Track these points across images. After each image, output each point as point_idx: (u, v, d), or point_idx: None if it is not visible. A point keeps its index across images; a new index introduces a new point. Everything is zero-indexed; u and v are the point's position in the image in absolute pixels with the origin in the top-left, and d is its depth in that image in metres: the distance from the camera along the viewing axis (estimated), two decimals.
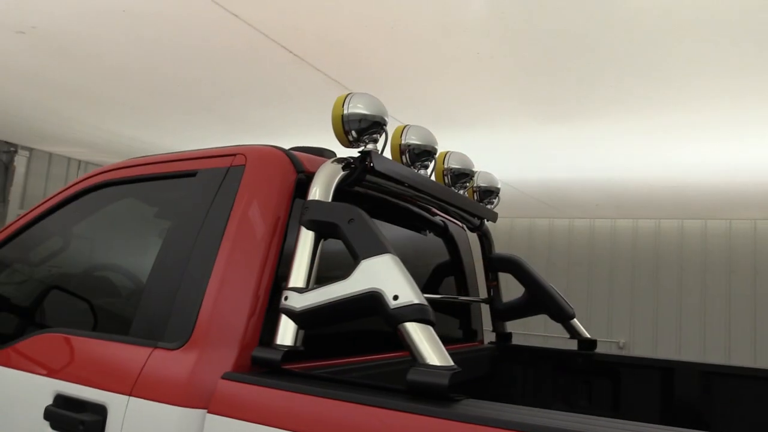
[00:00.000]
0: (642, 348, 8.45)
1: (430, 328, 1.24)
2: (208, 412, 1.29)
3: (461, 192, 2.35)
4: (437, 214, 2.56)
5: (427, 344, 1.21)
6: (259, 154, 1.64)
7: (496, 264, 2.76)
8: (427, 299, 2.12)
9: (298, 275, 1.43)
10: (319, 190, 1.54)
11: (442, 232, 2.65)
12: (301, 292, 1.38)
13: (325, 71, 3.74)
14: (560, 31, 3.06)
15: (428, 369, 1.17)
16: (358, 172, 1.66)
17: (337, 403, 1.16)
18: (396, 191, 1.95)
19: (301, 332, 1.39)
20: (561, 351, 2.68)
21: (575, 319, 2.67)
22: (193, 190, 1.65)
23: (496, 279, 2.81)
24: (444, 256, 2.68)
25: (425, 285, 2.51)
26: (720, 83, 3.52)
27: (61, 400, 1.50)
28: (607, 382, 2.58)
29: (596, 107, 4.08)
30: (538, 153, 5.40)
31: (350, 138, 1.70)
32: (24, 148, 7.39)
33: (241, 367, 1.37)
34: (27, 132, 6.53)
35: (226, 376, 1.32)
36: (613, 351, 8.39)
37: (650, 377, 2.50)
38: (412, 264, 2.48)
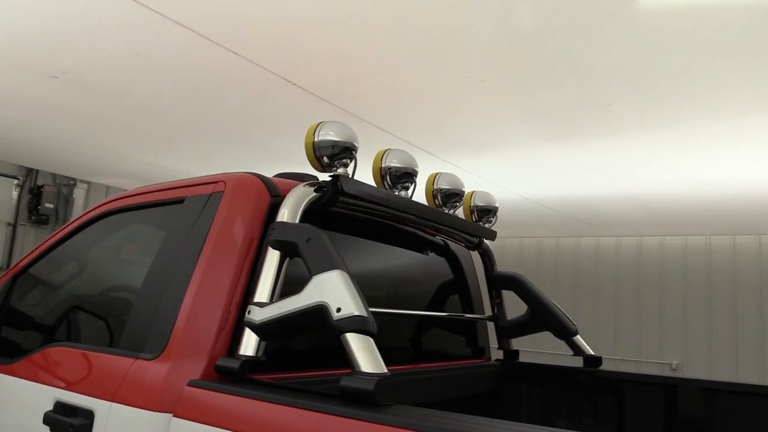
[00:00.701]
0: (695, 370, 8.11)
1: (368, 338, 1.33)
2: (174, 416, 1.41)
3: (451, 212, 2.43)
4: (438, 235, 2.64)
5: (362, 353, 1.30)
6: (237, 181, 1.79)
7: (498, 282, 2.80)
8: (429, 317, 2.23)
9: (262, 291, 1.55)
10: (287, 212, 1.67)
11: (444, 252, 2.72)
12: (262, 306, 1.50)
13: (333, 102, 3.98)
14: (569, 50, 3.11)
15: (359, 376, 1.26)
16: (329, 194, 1.77)
17: (277, 407, 1.26)
18: (383, 213, 2.05)
19: (263, 344, 1.50)
20: (565, 368, 2.68)
21: (578, 336, 2.67)
22: (180, 216, 1.81)
23: (500, 296, 2.85)
24: (448, 275, 2.75)
25: (430, 303, 2.58)
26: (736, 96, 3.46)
27: (59, 407, 1.67)
28: (611, 399, 2.56)
29: (622, 124, 4.09)
30: (572, 171, 5.39)
31: (322, 163, 1.82)
32: (82, 181, 7.94)
33: (209, 376, 1.49)
34: (84, 167, 7.03)
35: (191, 383, 1.44)
36: (666, 373, 8.08)
37: (654, 394, 2.47)
38: (416, 284, 2.56)
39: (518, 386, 2.74)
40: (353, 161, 1.85)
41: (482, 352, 2.83)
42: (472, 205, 2.67)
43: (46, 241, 2.23)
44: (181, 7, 2.85)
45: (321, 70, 3.48)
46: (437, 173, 2.44)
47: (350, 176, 1.83)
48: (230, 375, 1.45)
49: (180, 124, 4.76)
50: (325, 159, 1.82)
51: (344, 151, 1.82)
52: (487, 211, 2.68)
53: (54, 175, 7.83)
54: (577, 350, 2.68)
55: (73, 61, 3.53)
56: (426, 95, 3.85)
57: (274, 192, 1.78)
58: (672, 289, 8.57)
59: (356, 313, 1.34)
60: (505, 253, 10.15)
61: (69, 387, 1.68)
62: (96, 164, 6.77)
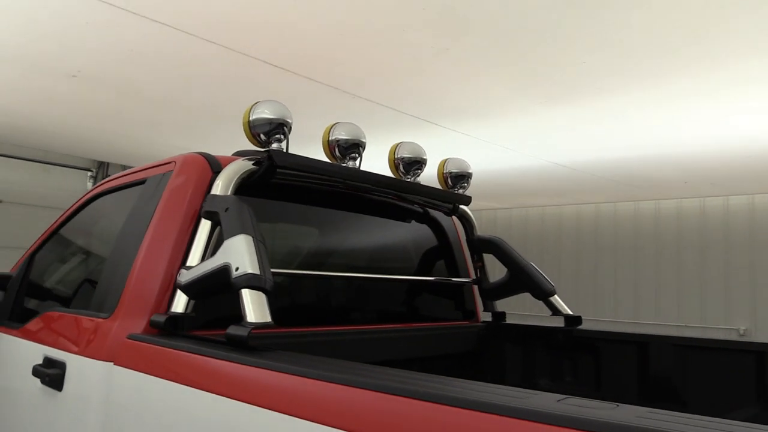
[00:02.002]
0: (766, 334, 7.69)
1: (260, 293, 1.50)
2: (114, 364, 1.66)
3: (413, 179, 2.53)
4: (417, 203, 2.74)
5: (251, 306, 1.47)
6: (183, 160, 1.99)
7: (478, 245, 2.88)
8: (415, 281, 2.43)
9: (193, 256, 1.76)
10: (220, 185, 1.86)
11: (425, 219, 2.83)
12: (188, 269, 1.70)
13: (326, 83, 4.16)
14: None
15: (242, 325, 1.44)
16: (264, 168, 1.95)
17: (178, 353, 1.47)
18: (334, 184, 2.19)
19: (191, 302, 1.71)
20: (546, 328, 2.73)
21: (556, 296, 2.72)
22: (141, 194, 2.05)
23: (482, 260, 2.93)
24: (426, 240, 2.86)
25: (417, 269, 2.72)
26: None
27: (46, 361, 1.96)
28: (588, 357, 2.60)
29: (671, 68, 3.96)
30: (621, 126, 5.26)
31: (259, 140, 2.00)
32: (116, 165, 8.57)
33: (150, 332, 1.72)
34: (144, 157, 7.61)
35: (129, 337, 1.68)
36: (732, 338, 7.72)
37: (629, 351, 2.49)
38: (390, 250, 2.70)
39: (501, 346, 2.82)
40: (287, 136, 2.00)
41: (471, 314, 2.93)
42: (445, 171, 2.76)
43: (55, 222, 2.55)
44: (175, 12, 3.10)
45: (320, 59, 3.64)
46: (399, 143, 2.55)
47: (285, 150, 2.00)
48: (159, 329, 1.67)
49: (195, 111, 5.11)
50: (262, 136, 1.99)
51: (278, 128, 1.98)
52: (461, 177, 2.76)
53: (123, 167, 8.49)
54: (555, 310, 2.72)
55: (88, 62, 3.91)
56: (423, 69, 3.92)
57: (216, 168, 1.97)
58: (738, 252, 8.14)
59: (250, 271, 1.51)
60: (564, 218, 9.98)
61: (53, 344, 1.98)
62: (129, 151, 7.32)
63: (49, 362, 1.93)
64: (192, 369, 1.42)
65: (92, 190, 2.45)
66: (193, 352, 1.44)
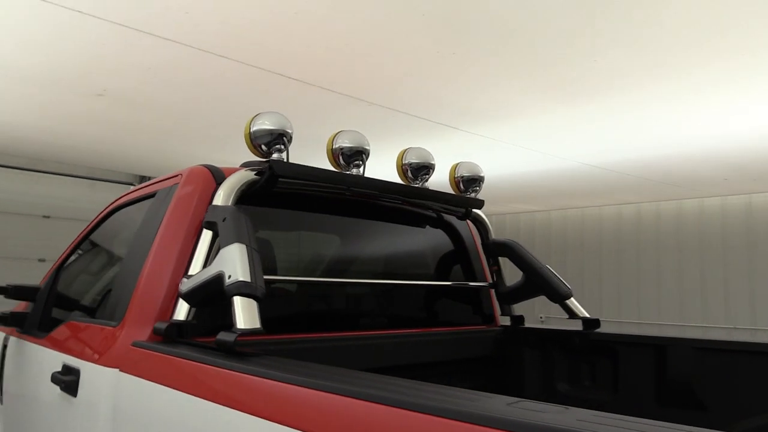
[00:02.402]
0: None
1: (251, 300, 1.54)
2: (120, 370, 1.72)
3: (421, 185, 2.53)
4: (432, 209, 2.73)
5: (242, 312, 1.51)
6: (189, 173, 2.06)
7: (493, 249, 2.86)
8: (430, 286, 2.47)
9: (195, 265, 1.82)
10: (222, 195, 1.91)
11: (439, 223, 2.83)
12: (189, 278, 1.76)
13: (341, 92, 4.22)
14: None
15: (231, 331, 1.47)
16: (265, 178, 1.99)
17: (172, 358, 1.52)
18: (341, 192, 2.22)
19: (192, 309, 1.76)
20: (563, 331, 2.69)
21: (573, 299, 2.67)
22: (151, 207, 2.13)
23: (497, 264, 2.90)
24: (447, 246, 2.86)
25: (432, 274, 2.72)
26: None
27: (64, 368, 2.05)
28: (607, 360, 2.54)
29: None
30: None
31: (261, 151, 2.04)
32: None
33: (154, 339, 1.78)
34: (154, 166, 7.86)
35: (133, 344, 1.74)
36: None
37: (647, 354, 2.42)
38: (415, 256, 2.71)
39: (519, 350, 2.79)
40: (288, 146, 2.04)
41: (489, 318, 2.91)
42: (456, 176, 2.75)
43: (79, 235, 2.67)
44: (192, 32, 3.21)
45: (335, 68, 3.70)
46: (406, 149, 2.55)
47: (286, 160, 2.04)
48: (161, 336, 1.72)
49: (218, 122, 5.26)
50: (263, 147, 2.04)
51: (278, 138, 2.03)
52: (473, 181, 2.74)
53: None
54: (572, 313, 2.68)
55: (111, 82, 4.09)
56: (441, 74, 3.92)
57: (219, 179, 2.02)
58: None
59: (241, 279, 1.55)
60: (622, 219, 9.76)
61: (70, 352, 2.07)
62: (163, 164, 7.55)
63: (66, 369, 2.02)
64: (183, 374, 1.47)
65: (111, 203, 2.56)
66: (184, 358, 1.49)
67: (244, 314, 1.51)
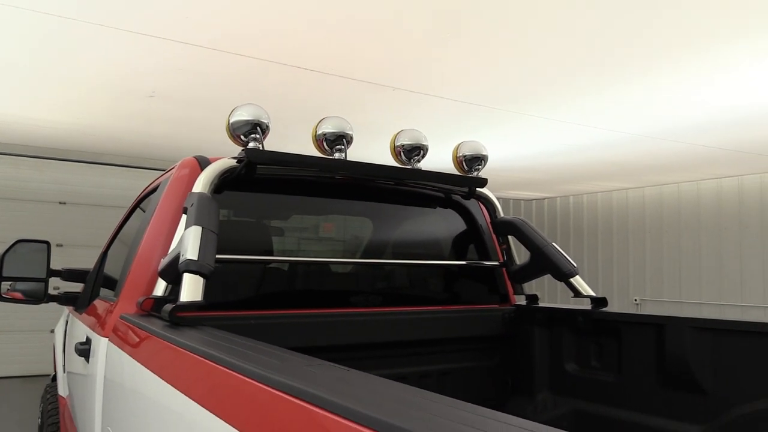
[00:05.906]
0: None
1: (197, 277, 1.69)
2: (109, 341, 1.96)
3: (413, 166, 2.57)
4: (440, 189, 2.77)
5: (187, 287, 1.68)
6: (181, 163, 2.26)
7: (500, 228, 2.84)
8: (434, 266, 2.60)
9: (172, 246, 2.01)
10: (200, 183, 2.08)
11: (450, 204, 2.86)
12: (164, 258, 1.95)
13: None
14: None
15: (173, 304, 1.64)
16: (242, 165, 2.14)
17: (136, 329, 1.71)
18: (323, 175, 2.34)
19: (169, 286, 1.95)
20: (571, 310, 2.63)
21: (578, 277, 2.61)
22: (155, 196, 2.36)
23: (507, 242, 2.87)
24: (460, 225, 2.88)
25: (446, 252, 2.78)
26: None
27: (86, 339, 2.35)
28: (610, 339, 2.46)
29: None
30: None
31: (240, 140, 2.20)
32: None
33: (139, 312, 2.00)
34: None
35: (120, 317, 1.97)
36: None
37: (649, 333, 2.32)
38: (421, 236, 2.78)
39: (531, 329, 2.76)
40: (262, 134, 2.18)
41: (505, 297, 2.90)
42: (459, 155, 2.75)
43: (120, 220, 3.00)
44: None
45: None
46: (399, 131, 2.60)
47: (261, 147, 2.17)
48: (140, 310, 1.94)
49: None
50: (242, 137, 2.19)
51: (254, 128, 2.17)
52: (476, 159, 2.73)
53: None
54: (577, 291, 2.62)
55: (158, 84, 4.49)
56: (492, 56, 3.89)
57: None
58: None
59: (189, 257, 1.71)
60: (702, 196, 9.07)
61: (90, 326, 2.36)
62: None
63: (87, 340, 2.31)
64: (139, 343, 1.66)
65: (139, 195, 2.84)
66: (137, 327, 1.68)
67: (187, 288, 1.67)
